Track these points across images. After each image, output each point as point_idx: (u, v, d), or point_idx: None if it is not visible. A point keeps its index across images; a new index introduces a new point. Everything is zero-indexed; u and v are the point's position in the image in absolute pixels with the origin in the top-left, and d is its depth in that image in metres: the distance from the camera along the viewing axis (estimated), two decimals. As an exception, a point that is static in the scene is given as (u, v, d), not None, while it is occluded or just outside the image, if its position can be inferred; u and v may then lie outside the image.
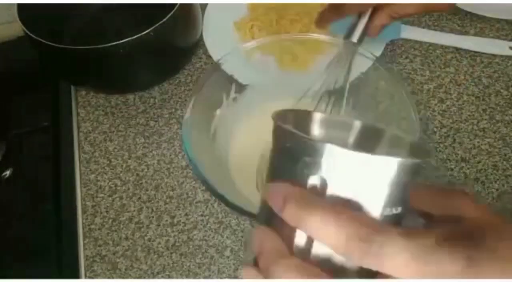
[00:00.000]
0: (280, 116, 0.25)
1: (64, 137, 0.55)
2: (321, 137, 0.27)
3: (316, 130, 0.28)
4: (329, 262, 0.22)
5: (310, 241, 0.22)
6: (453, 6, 0.58)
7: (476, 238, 0.22)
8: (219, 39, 0.59)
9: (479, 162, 0.49)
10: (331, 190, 0.22)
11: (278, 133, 0.24)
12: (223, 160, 0.47)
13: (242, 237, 0.47)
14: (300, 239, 0.22)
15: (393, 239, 0.20)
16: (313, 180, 0.22)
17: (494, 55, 0.57)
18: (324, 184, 0.22)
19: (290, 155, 0.22)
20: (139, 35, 0.48)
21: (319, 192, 0.22)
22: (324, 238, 0.21)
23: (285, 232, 0.23)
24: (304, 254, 0.22)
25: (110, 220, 0.49)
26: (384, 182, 0.21)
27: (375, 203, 0.22)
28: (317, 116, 0.29)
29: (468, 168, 0.49)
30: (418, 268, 0.21)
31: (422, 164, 0.23)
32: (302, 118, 0.29)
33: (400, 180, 0.21)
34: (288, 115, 0.27)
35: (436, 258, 0.21)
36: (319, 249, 0.22)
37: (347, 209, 0.21)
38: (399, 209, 0.22)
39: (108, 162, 0.53)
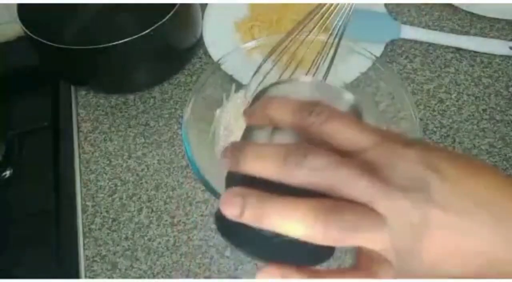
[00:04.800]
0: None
1: (64, 137, 0.55)
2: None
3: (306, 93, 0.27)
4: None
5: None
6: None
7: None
8: (219, 39, 0.59)
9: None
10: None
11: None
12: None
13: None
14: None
15: (334, 109, 0.23)
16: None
17: (494, 55, 0.57)
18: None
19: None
20: (139, 35, 0.48)
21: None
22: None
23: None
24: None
25: (110, 220, 0.49)
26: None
27: None
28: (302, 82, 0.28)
29: (468, 168, 0.49)
30: (367, 135, 0.23)
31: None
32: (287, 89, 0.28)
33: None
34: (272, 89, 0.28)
35: (381, 131, 0.23)
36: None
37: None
38: None
39: (108, 162, 0.53)
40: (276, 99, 0.24)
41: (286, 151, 0.22)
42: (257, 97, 0.27)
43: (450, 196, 0.21)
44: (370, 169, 0.21)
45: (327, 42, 0.42)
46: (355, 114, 0.26)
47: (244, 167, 0.23)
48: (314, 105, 0.23)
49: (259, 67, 0.43)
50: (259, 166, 0.22)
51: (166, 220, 0.48)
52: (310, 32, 0.42)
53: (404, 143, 0.22)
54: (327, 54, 0.42)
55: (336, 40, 0.41)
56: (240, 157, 0.23)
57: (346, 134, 0.22)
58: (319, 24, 0.42)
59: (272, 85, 0.28)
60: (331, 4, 0.41)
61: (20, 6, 0.53)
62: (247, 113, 0.26)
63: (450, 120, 0.53)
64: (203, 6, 0.62)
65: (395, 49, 0.59)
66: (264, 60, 0.43)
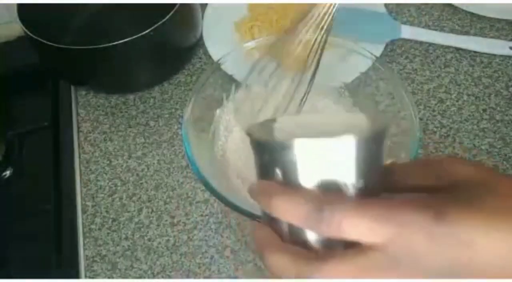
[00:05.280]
0: (253, 130, 0.27)
1: (64, 137, 0.55)
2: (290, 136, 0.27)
3: (287, 134, 0.27)
4: (317, 242, 0.24)
5: (292, 228, 0.24)
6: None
7: (451, 195, 0.23)
8: (219, 39, 0.59)
9: (479, 162, 0.49)
10: (303, 178, 0.24)
11: (253, 146, 0.26)
12: (222, 159, 0.47)
13: (242, 237, 0.47)
14: (284, 227, 0.25)
15: (342, 206, 0.22)
16: (282, 172, 0.24)
17: (494, 55, 0.57)
18: (294, 174, 0.24)
19: (267, 159, 0.25)
20: (139, 35, 0.48)
21: (293, 181, 0.24)
22: (288, 217, 0.23)
23: (275, 225, 0.25)
24: (293, 239, 0.25)
25: (110, 220, 0.49)
26: (347, 159, 0.23)
27: (345, 179, 0.23)
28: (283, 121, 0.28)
29: (468, 168, 0.49)
30: (381, 230, 0.21)
31: (377, 134, 0.24)
32: (270, 126, 0.27)
33: (360, 155, 0.23)
34: (259, 128, 0.27)
35: (399, 217, 0.21)
36: (300, 233, 0.24)
37: (301, 189, 0.24)
38: (361, 182, 0.24)
39: (108, 162, 0.53)
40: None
41: (307, 212, 0.23)
42: (250, 134, 0.26)
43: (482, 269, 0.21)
44: (392, 268, 0.22)
45: (315, 42, 0.42)
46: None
47: (270, 211, 0.24)
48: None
49: (254, 64, 0.44)
50: (283, 216, 0.24)
51: (166, 220, 0.48)
52: (300, 33, 0.42)
53: (424, 225, 0.21)
54: (316, 54, 0.42)
55: (323, 39, 0.41)
56: (262, 203, 0.25)
57: (361, 232, 0.22)
58: (313, 26, 0.42)
59: (260, 125, 0.27)
60: (323, 7, 0.41)
61: (20, 6, 0.53)
62: (252, 196, 0.26)
63: (450, 120, 0.53)
64: (203, 6, 0.62)
65: (395, 49, 0.59)
66: (258, 61, 0.44)
